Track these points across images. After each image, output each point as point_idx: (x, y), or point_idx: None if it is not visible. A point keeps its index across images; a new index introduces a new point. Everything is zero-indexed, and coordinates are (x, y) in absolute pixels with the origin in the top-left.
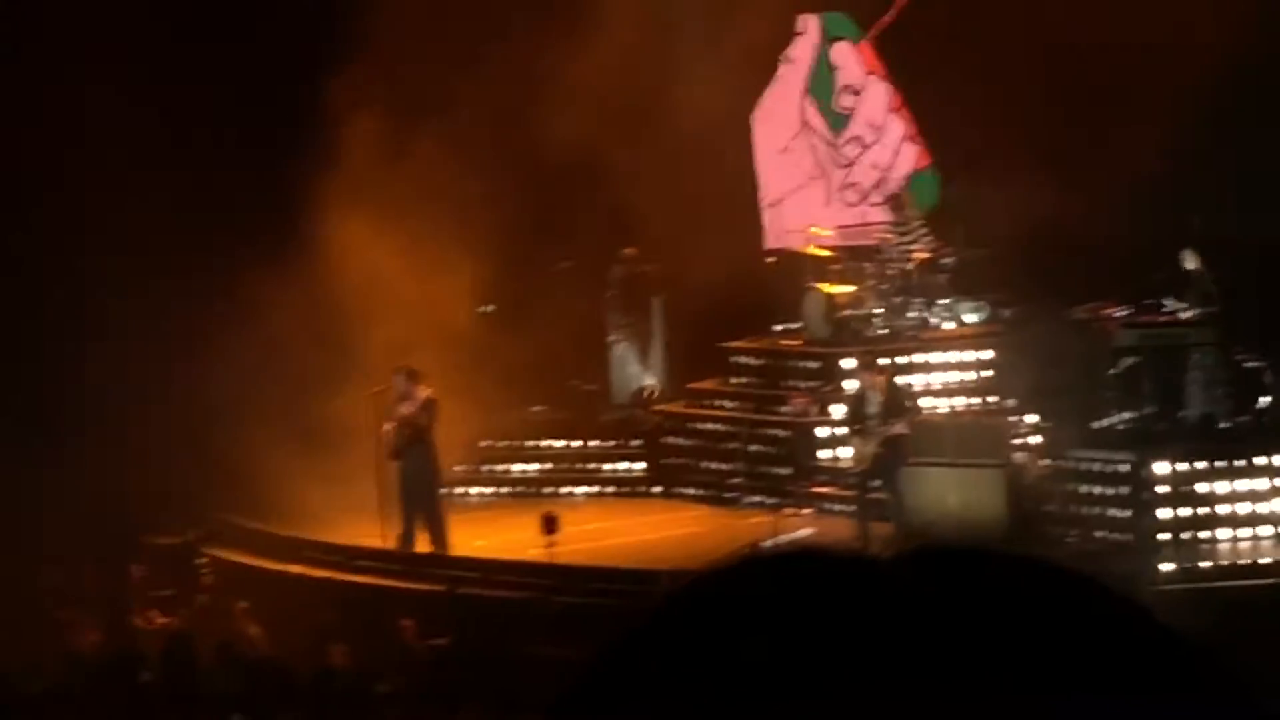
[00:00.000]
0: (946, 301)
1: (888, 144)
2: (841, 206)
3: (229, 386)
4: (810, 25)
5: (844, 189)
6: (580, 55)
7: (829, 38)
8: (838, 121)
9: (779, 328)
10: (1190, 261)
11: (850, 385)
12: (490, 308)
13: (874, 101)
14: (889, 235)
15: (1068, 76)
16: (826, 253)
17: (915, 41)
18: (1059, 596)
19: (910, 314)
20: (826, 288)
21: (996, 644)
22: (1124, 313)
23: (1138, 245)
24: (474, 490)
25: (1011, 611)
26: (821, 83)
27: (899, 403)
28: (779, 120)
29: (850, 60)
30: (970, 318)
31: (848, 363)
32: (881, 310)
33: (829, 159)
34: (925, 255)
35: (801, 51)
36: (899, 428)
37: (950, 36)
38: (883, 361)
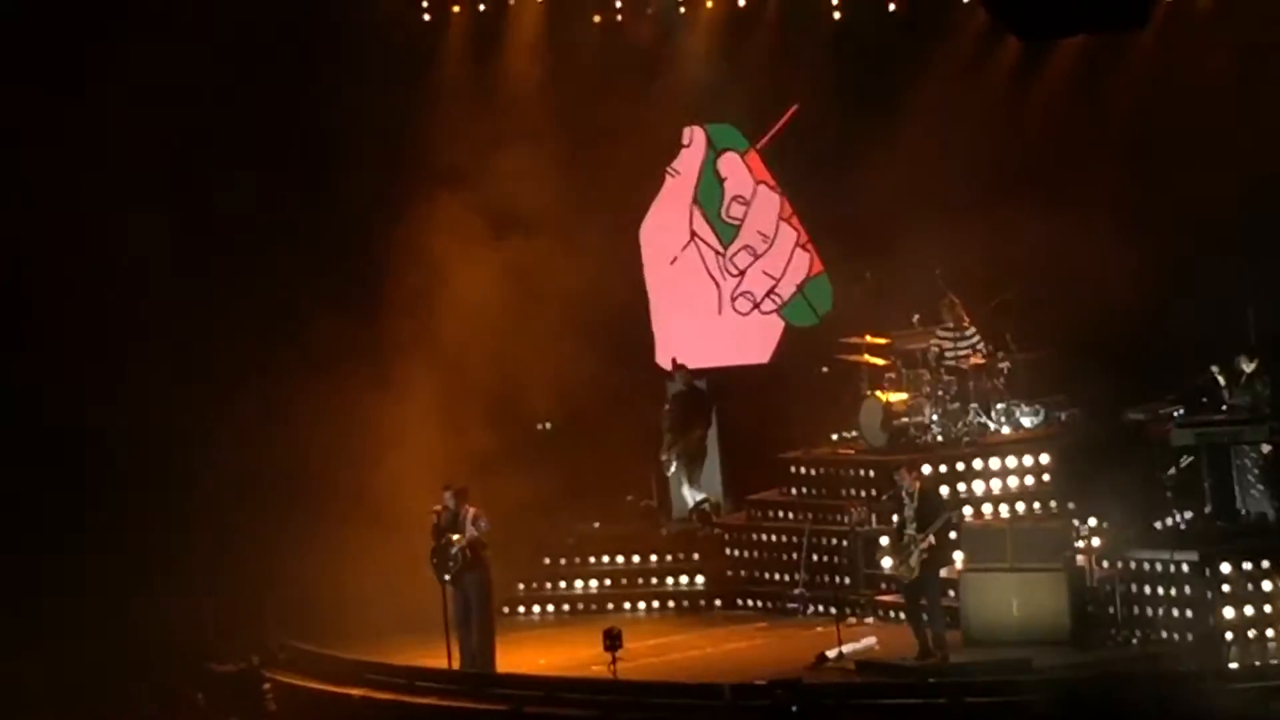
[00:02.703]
0: (1002, 406)
1: (779, 252)
2: (734, 315)
3: (289, 510)
4: (696, 137)
5: (736, 298)
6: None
7: (716, 149)
8: (727, 231)
9: (835, 437)
10: (1245, 364)
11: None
12: (548, 424)
13: (764, 210)
14: (944, 341)
15: (1121, 178)
16: (881, 360)
17: (955, 144)
18: None
19: (967, 420)
20: (883, 396)
21: None
22: (1179, 412)
23: (1192, 343)
24: (536, 608)
25: None
26: (709, 193)
27: (935, 510)
28: (667, 232)
29: (738, 170)
30: (1027, 422)
31: None
32: (938, 417)
33: (719, 268)
34: (980, 360)
35: (688, 163)
36: (933, 535)
37: (1014, 138)
38: (926, 469)
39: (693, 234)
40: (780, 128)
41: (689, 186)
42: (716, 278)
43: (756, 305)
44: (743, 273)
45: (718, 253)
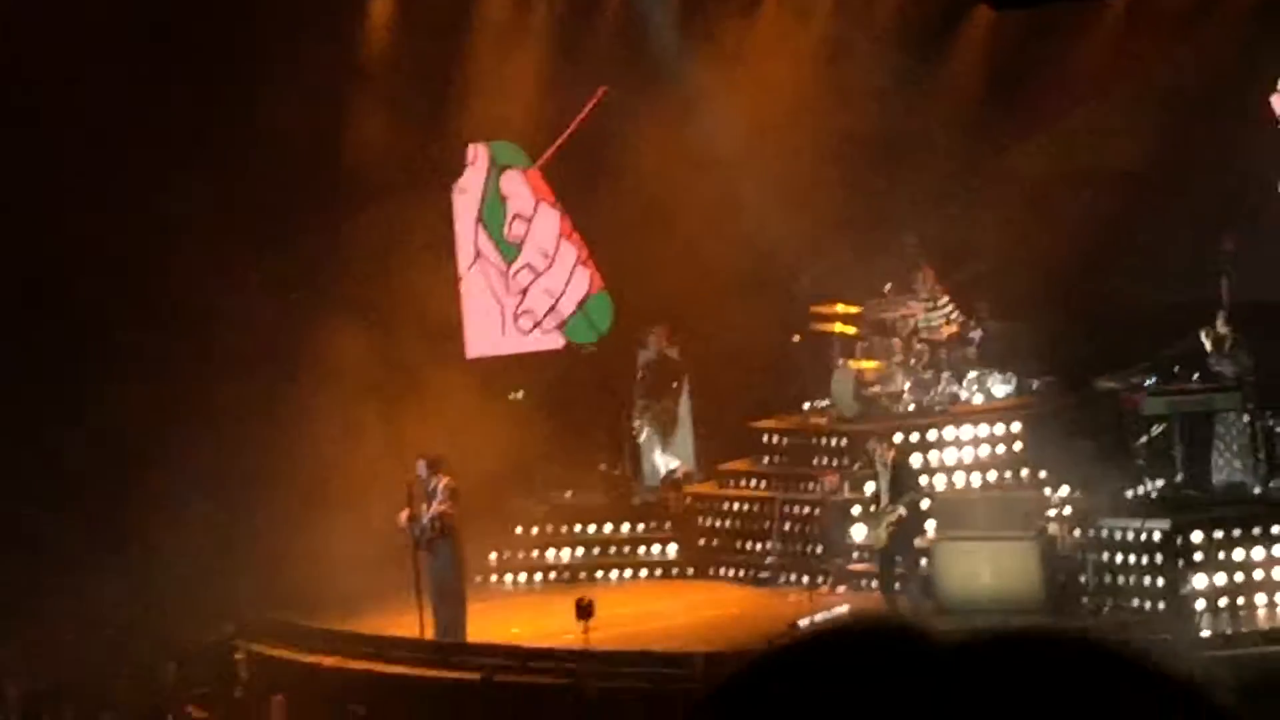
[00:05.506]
0: (975, 375)
1: (559, 270)
2: (517, 334)
3: (262, 476)
4: (480, 155)
5: (519, 317)
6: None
7: (498, 166)
8: (509, 250)
9: (808, 406)
10: (1222, 326)
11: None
12: (519, 393)
13: (545, 229)
14: (917, 310)
15: (1081, 154)
16: (853, 330)
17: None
18: (1108, 688)
19: (939, 389)
20: (855, 364)
21: None
22: (1152, 380)
23: (1166, 311)
24: (508, 577)
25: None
26: (493, 212)
27: (906, 481)
28: (456, 249)
29: (520, 188)
30: (999, 391)
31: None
32: (910, 385)
33: (502, 287)
34: (953, 329)
35: (472, 181)
36: (904, 507)
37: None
38: (897, 438)
39: (478, 252)
40: (561, 145)
41: (474, 205)
42: (500, 297)
43: (538, 324)
44: (524, 291)
45: (501, 272)
